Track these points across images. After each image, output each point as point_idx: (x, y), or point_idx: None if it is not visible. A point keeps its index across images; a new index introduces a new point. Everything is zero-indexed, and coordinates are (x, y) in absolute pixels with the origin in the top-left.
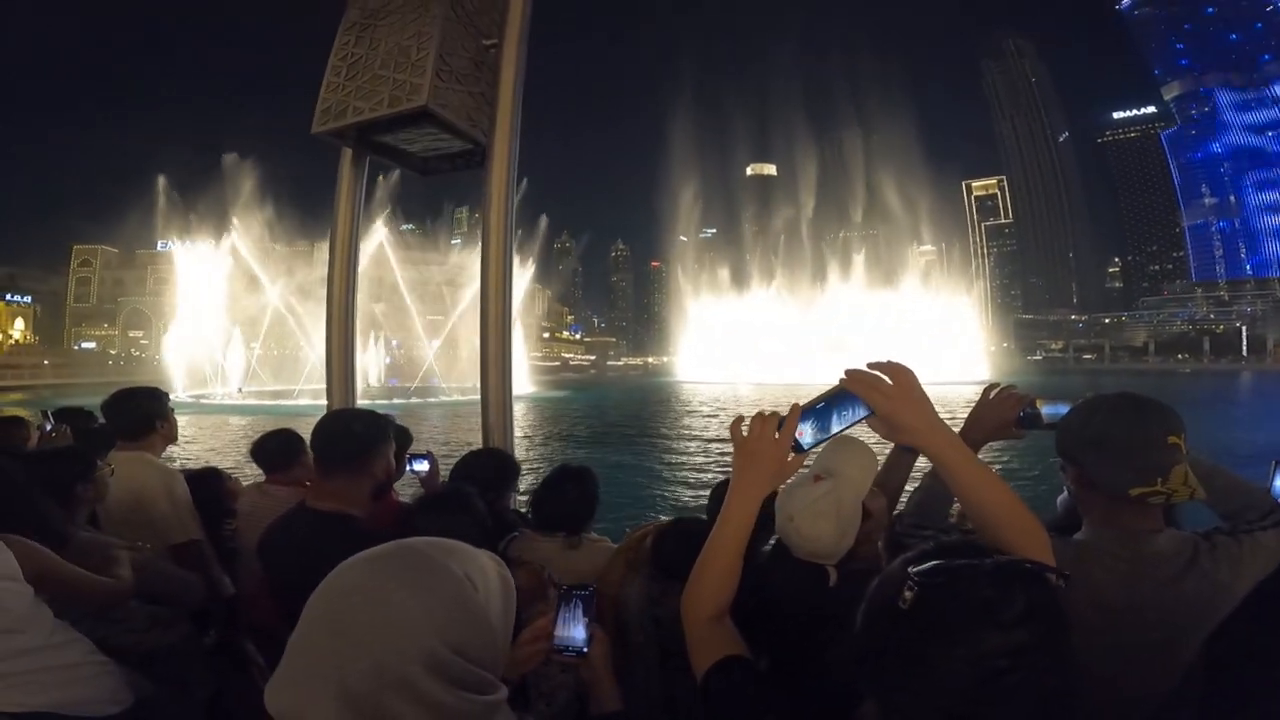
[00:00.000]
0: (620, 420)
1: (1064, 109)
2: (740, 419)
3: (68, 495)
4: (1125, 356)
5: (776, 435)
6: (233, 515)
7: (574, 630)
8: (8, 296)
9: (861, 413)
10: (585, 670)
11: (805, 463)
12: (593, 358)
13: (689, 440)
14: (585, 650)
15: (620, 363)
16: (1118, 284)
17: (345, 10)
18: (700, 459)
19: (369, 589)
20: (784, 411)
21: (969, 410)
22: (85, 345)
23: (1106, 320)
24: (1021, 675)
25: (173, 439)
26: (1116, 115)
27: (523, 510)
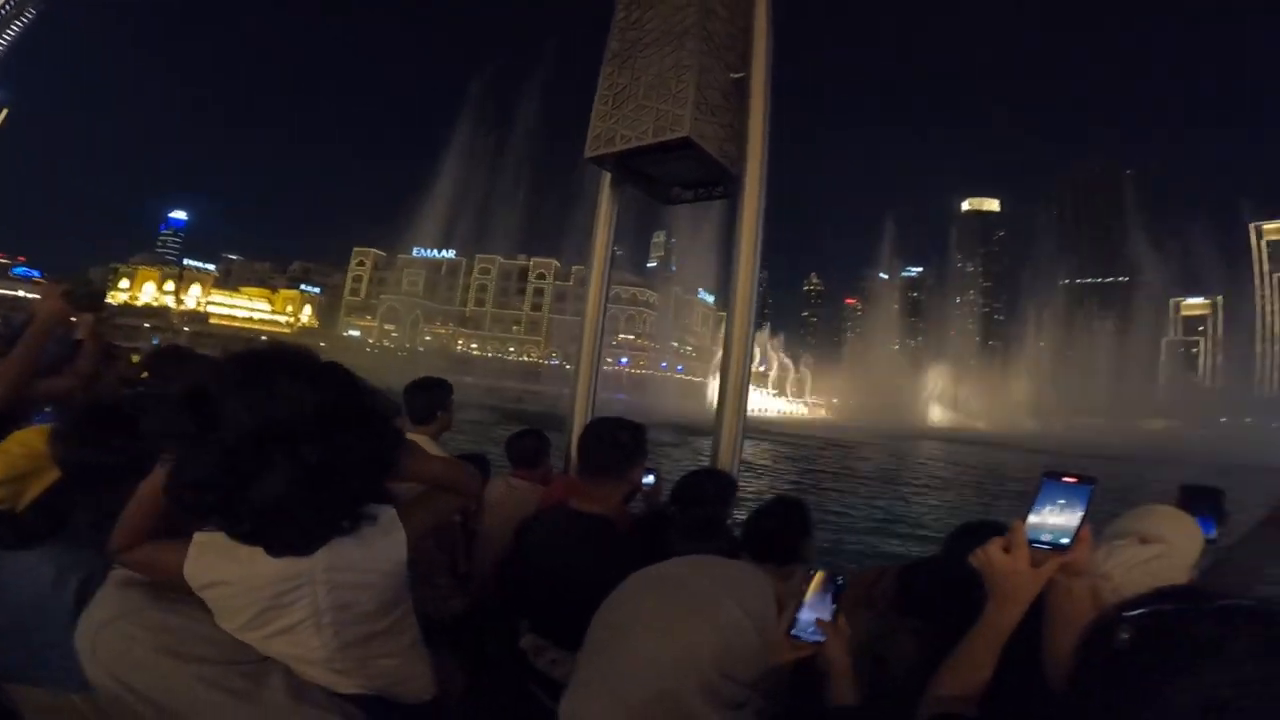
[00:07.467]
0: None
1: None
2: (981, 552)
3: None
4: None
5: (1019, 564)
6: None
7: (820, 616)
8: (303, 286)
9: (1083, 500)
10: (821, 660)
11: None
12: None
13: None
14: (823, 639)
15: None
16: None
17: (608, 42)
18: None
19: (657, 622)
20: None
21: None
22: (351, 333)
23: None
24: (1248, 705)
25: (448, 427)
26: None
27: None
